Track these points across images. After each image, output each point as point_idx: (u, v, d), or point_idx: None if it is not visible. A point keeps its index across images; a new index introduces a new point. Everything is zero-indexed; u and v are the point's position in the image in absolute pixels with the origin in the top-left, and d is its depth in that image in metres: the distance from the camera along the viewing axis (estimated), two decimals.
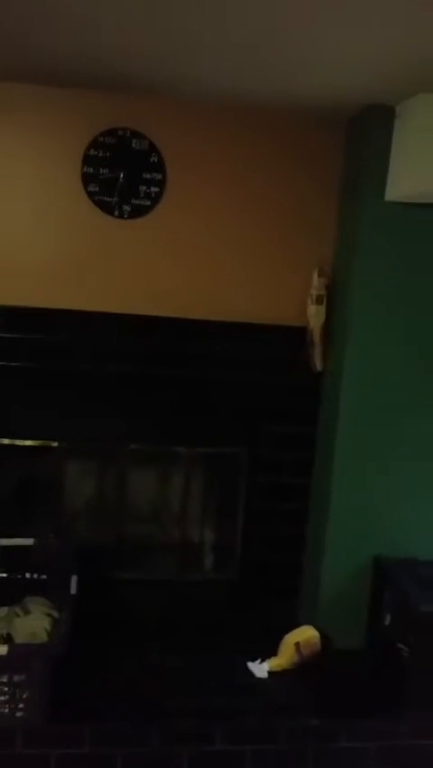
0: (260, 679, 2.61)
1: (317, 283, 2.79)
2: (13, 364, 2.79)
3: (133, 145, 2.72)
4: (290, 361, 2.89)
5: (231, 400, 2.92)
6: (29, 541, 2.78)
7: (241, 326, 2.85)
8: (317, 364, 2.86)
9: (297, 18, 1.83)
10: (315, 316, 2.80)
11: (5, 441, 2.84)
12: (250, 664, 2.66)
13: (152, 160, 2.73)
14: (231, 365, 2.89)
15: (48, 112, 2.66)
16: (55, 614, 2.66)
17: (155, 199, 2.76)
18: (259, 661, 2.67)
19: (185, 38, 2.03)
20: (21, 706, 2.30)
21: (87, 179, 2.71)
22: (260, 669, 2.64)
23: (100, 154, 2.70)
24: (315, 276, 2.79)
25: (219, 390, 2.91)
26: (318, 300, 2.78)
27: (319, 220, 2.84)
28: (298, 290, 2.84)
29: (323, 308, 2.79)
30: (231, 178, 2.79)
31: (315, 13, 1.78)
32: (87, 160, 2.70)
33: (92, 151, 2.70)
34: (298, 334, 2.86)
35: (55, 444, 2.89)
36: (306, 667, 2.66)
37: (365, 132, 2.60)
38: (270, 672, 2.64)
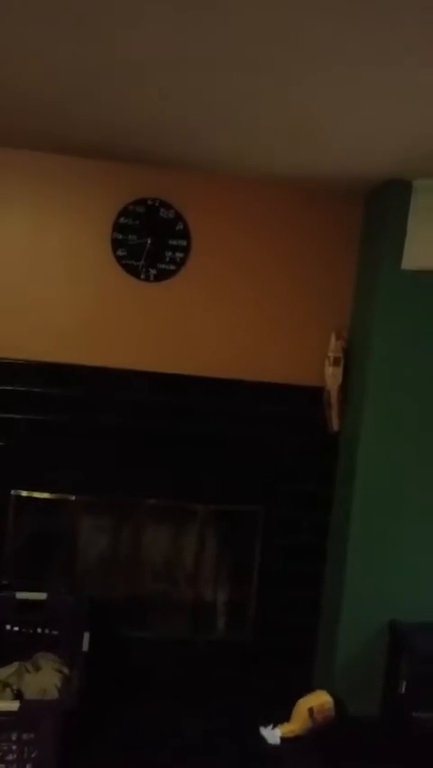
0: (272, 745, 2.55)
1: (334, 345, 2.88)
2: (37, 418, 2.86)
3: (161, 214, 2.88)
4: (308, 421, 2.95)
5: (248, 458, 2.97)
6: (42, 595, 2.77)
7: (260, 386, 2.93)
8: (334, 424, 2.91)
9: (325, 108, 2.00)
10: (332, 378, 2.87)
11: (24, 493, 2.88)
12: (262, 730, 2.60)
13: (177, 227, 2.89)
14: (249, 423, 2.95)
15: (83, 181, 2.84)
16: (66, 670, 2.63)
17: (180, 264, 2.90)
18: (271, 726, 2.61)
19: (214, 118, 2.21)
20: (29, 766, 2.24)
21: (116, 245, 2.86)
22: (272, 735, 2.58)
23: (130, 222, 2.86)
24: (332, 338, 2.89)
25: (237, 448, 2.96)
26: (336, 362, 2.87)
27: (337, 285, 2.97)
28: (316, 352, 2.94)
29: (340, 370, 2.87)
30: (253, 245, 2.94)
31: (342, 104, 1.95)
32: (117, 226, 2.86)
33: (122, 219, 2.86)
34: (315, 395, 2.93)
35: (72, 498, 2.93)
36: (319, 734, 2.60)
37: (384, 204, 2.74)
38: (282, 739, 2.57)
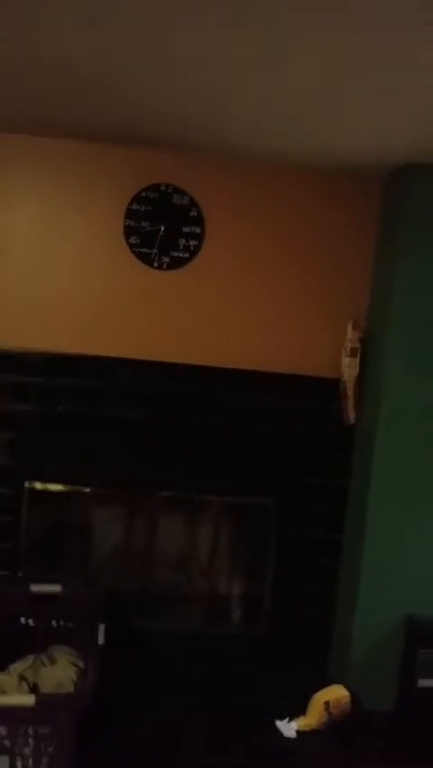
0: (288, 738, 2.55)
1: (351, 336, 2.82)
2: (50, 409, 2.83)
3: (174, 200, 2.80)
4: (323, 413, 2.91)
5: (263, 450, 2.93)
6: (56, 587, 2.75)
7: (275, 377, 2.88)
8: (351, 416, 2.86)
9: (339, 92, 1.91)
10: (348, 368, 2.82)
11: (38, 485, 2.86)
12: (278, 723, 2.60)
13: (192, 214, 2.81)
14: (264, 415, 2.91)
15: (94, 167, 2.77)
16: (80, 663, 2.63)
17: (194, 252, 2.83)
18: (287, 719, 2.61)
19: (228, 105, 2.13)
20: (45, 760, 2.24)
21: (128, 232, 2.79)
22: (288, 728, 2.58)
23: (142, 208, 2.79)
24: (349, 328, 2.82)
25: (251, 440, 2.92)
26: (352, 353, 2.81)
27: (355, 273, 2.90)
28: (332, 342, 2.88)
29: (357, 361, 2.81)
30: (268, 231, 2.86)
31: (356, 79, 1.86)
32: (129, 213, 2.79)
33: (134, 206, 2.79)
34: (331, 386, 2.88)
35: (87, 490, 2.90)
36: (335, 728, 2.59)
37: (403, 189, 2.66)
38: (298, 732, 2.57)
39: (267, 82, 1.94)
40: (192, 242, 2.82)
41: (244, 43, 1.69)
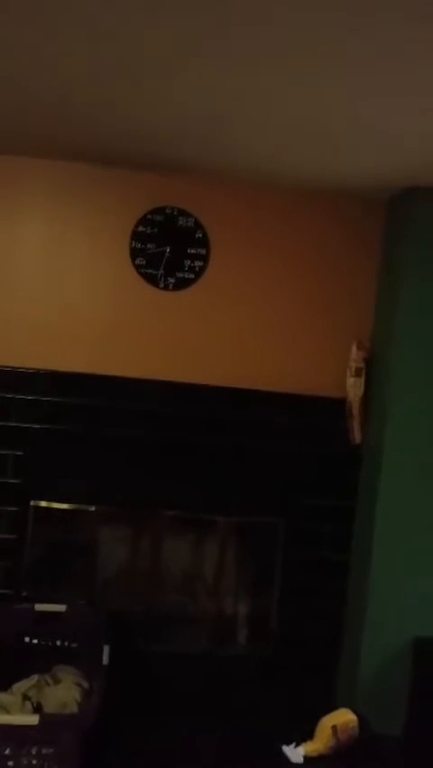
0: (295, 764, 2.50)
1: (355, 355, 2.83)
2: (56, 427, 2.85)
3: (180, 222, 2.85)
4: (329, 432, 2.90)
5: (269, 470, 2.93)
6: (61, 607, 2.74)
7: (281, 396, 2.89)
8: (357, 436, 2.86)
9: (340, 107, 1.95)
10: (354, 388, 2.83)
11: (43, 503, 2.87)
12: (285, 748, 2.55)
13: (197, 236, 2.86)
14: (270, 434, 2.92)
15: (101, 190, 2.83)
16: (85, 684, 2.60)
17: (199, 273, 2.87)
18: (294, 744, 2.56)
19: (230, 125, 2.18)
20: None
21: (134, 253, 2.84)
22: (295, 753, 2.53)
23: (148, 230, 2.84)
24: (354, 348, 2.84)
25: (257, 460, 2.92)
26: (357, 372, 2.82)
27: (359, 293, 2.92)
28: (337, 362, 2.89)
29: (362, 380, 2.82)
30: (272, 253, 2.90)
31: (359, 102, 1.90)
32: (135, 235, 2.84)
33: (140, 228, 2.84)
34: (337, 405, 2.88)
35: (92, 509, 2.91)
36: (343, 753, 2.54)
37: (407, 211, 2.69)
38: (305, 757, 2.52)
39: (270, 107, 1.98)
40: (197, 263, 2.86)
41: (249, 68, 1.73)
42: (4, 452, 2.84)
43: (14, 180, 2.81)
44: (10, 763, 2.17)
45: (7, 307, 2.83)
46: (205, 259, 2.87)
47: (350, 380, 2.84)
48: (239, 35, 1.56)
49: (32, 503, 2.86)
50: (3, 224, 2.81)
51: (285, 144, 2.32)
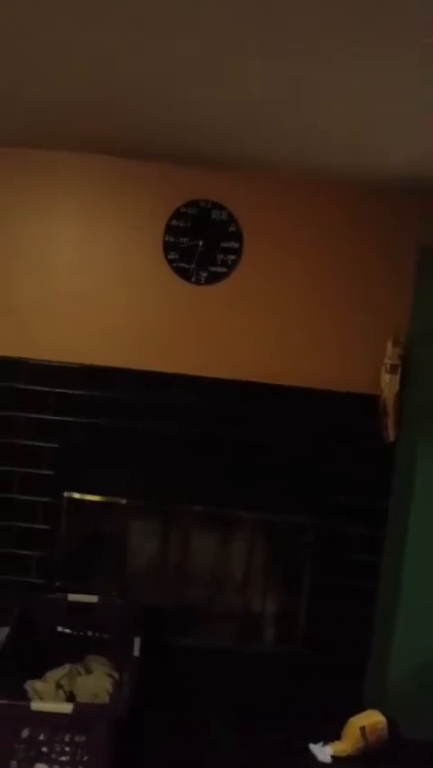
0: (323, 763, 2.49)
1: (391, 352, 2.76)
2: (90, 421, 2.88)
3: (213, 216, 2.82)
4: (363, 430, 2.85)
5: (300, 467, 2.89)
6: (93, 598, 2.78)
7: (313, 392, 2.84)
8: (391, 434, 2.80)
9: (385, 106, 1.87)
10: (388, 386, 2.76)
11: (76, 495, 2.91)
12: (312, 746, 2.55)
13: (230, 229, 2.82)
14: (301, 430, 2.88)
15: (134, 184, 2.81)
16: (116, 675, 2.64)
17: (231, 266, 2.84)
18: (322, 743, 2.55)
19: (266, 120, 2.12)
20: None
21: (167, 248, 2.82)
22: (323, 752, 2.52)
23: (181, 224, 2.81)
24: (389, 345, 2.77)
25: (288, 456, 2.89)
26: (393, 369, 2.75)
27: (395, 289, 2.84)
28: (371, 358, 2.82)
29: (397, 378, 2.75)
30: (306, 246, 2.84)
31: (410, 96, 1.82)
32: (168, 229, 2.82)
33: (174, 221, 2.81)
34: (370, 402, 2.82)
35: (123, 502, 2.93)
36: (371, 754, 2.52)
37: None
38: (333, 757, 2.51)
39: (314, 98, 1.91)
40: (230, 257, 2.83)
41: (291, 62, 1.67)
42: (40, 445, 2.89)
43: (50, 175, 2.80)
44: (44, 749, 2.22)
45: (42, 301, 2.86)
46: (237, 253, 2.83)
47: (385, 377, 2.77)
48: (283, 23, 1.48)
49: (65, 494, 2.90)
50: (39, 219, 2.83)
51: (332, 138, 2.23)
